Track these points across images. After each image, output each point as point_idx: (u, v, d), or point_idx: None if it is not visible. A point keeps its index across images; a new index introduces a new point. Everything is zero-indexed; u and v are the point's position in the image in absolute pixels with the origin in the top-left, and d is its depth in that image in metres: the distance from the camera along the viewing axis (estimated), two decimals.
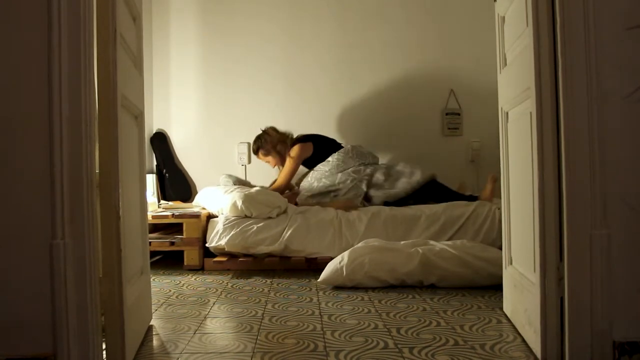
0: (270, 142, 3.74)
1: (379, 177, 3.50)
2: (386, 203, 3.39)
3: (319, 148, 3.70)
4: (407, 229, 3.14)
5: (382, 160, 4.06)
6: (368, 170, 3.53)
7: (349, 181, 3.47)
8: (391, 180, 3.50)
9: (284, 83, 4.19)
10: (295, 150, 3.66)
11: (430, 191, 3.45)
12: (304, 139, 3.74)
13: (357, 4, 4.19)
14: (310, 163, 3.72)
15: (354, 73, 4.20)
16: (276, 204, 3.24)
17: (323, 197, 3.49)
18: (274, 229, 3.15)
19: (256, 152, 3.82)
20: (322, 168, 3.61)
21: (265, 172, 3.95)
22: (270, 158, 3.79)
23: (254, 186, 3.77)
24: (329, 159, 3.63)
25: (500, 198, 2.19)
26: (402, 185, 3.43)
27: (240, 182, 3.73)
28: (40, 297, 1.38)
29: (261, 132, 3.80)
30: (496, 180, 3.43)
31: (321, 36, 4.20)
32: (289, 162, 3.66)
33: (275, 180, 3.71)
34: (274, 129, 3.81)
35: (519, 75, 1.83)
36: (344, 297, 2.47)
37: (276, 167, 3.85)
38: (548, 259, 1.58)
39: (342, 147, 3.73)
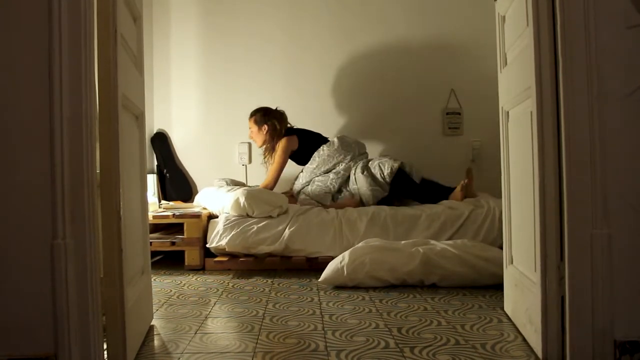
0: (270, 118, 3.69)
1: (359, 174, 3.49)
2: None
3: (304, 141, 3.70)
4: (407, 228, 3.14)
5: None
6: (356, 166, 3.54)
7: (339, 181, 3.50)
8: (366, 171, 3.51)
9: (284, 83, 4.18)
10: (281, 144, 3.65)
11: (402, 185, 3.45)
12: (287, 132, 3.73)
13: (357, 4, 4.19)
14: (299, 158, 3.71)
15: (354, 73, 4.20)
16: (278, 203, 3.25)
17: (323, 199, 3.49)
18: (275, 228, 3.15)
19: (250, 117, 3.74)
20: (309, 167, 3.62)
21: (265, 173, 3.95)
22: (255, 129, 3.71)
23: (250, 186, 3.77)
24: (315, 155, 3.62)
25: (501, 198, 2.19)
26: (374, 190, 3.44)
27: (235, 184, 3.72)
28: (41, 297, 1.38)
29: (274, 108, 3.76)
30: (471, 174, 3.46)
31: (321, 36, 4.20)
32: (277, 156, 3.65)
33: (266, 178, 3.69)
34: (285, 116, 3.77)
35: (519, 75, 1.83)
36: (345, 297, 2.47)
37: (252, 140, 3.84)
38: (549, 259, 1.58)
39: (327, 140, 3.74)
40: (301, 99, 4.14)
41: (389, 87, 4.18)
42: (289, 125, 3.79)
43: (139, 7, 1.98)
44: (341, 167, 3.54)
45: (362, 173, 3.46)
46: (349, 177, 3.54)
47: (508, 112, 2.07)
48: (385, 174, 3.43)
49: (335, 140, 3.66)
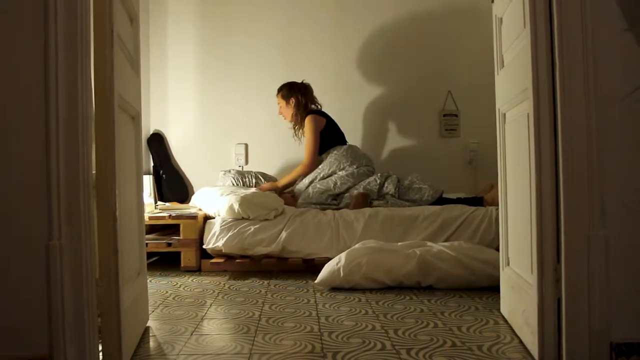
0: (295, 91, 3.75)
1: (390, 187, 3.49)
2: None
3: (328, 128, 3.72)
4: (404, 230, 3.13)
5: (380, 161, 4.07)
6: (377, 179, 3.51)
7: (345, 185, 3.48)
8: (400, 193, 3.50)
9: (282, 84, 4.17)
10: (309, 121, 3.68)
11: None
12: (316, 112, 3.76)
13: (354, 6, 4.20)
14: (322, 142, 3.73)
15: (352, 74, 4.20)
16: (273, 205, 3.23)
17: (323, 200, 3.48)
18: (271, 230, 3.14)
19: (278, 93, 3.80)
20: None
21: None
22: (284, 103, 3.78)
23: (266, 174, 3.81)
24: (324, 155, 3.66)
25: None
26: (410, 202, 3.44)
27: (241, 175, 3.74)
28: (36, 298, 1.37)
29: (301, 81, 3.81)
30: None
31: (319, 38, 4.20)
32: (307, 136, 3.68)
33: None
34: (310, 89, 3.81)
35: (516, 77, 1.83)
36: (342, 299, 2.46)
37: (281, 115, 3.86)
38: (545, 260, 1.58)
39: (346, 143, 3.77)
40: None
41: (386, 88, 4.19)
42: (318, 103, 3.82)
43: (135, 7, 1.98)
44: (344, 172, 3.54)
45: (395, 189, 3.47)
46: (354, 184, 3.52)
47: (505, 114, 2.07)
48: (423, 199, 3.44)
49: (345, 147, 3.68)
